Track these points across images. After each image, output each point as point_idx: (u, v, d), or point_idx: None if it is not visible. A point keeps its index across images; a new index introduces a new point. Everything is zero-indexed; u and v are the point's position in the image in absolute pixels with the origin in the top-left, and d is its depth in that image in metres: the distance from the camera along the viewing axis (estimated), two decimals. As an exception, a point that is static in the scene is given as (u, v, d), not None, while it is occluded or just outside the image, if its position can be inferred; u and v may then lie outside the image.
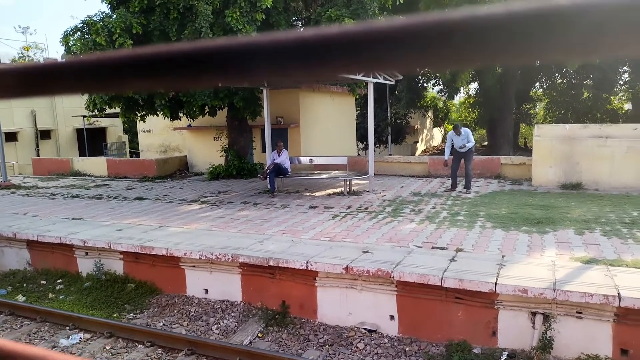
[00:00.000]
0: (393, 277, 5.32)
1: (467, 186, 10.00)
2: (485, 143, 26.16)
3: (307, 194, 10.70)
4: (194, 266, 6.65)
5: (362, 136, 20.92)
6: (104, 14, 10.60)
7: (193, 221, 8.32)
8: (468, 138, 9.60)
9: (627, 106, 25.65)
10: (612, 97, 24.76)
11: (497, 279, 4.90)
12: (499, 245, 6.12)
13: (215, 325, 5.85)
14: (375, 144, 14.28)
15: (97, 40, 9.68)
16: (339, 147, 16.22)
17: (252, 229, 7.58)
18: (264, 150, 13.26)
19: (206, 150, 15.84)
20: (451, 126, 10.64)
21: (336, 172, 11.76)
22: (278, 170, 10.67)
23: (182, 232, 7.50)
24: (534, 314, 4.81)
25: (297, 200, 9.93)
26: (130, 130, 25.01)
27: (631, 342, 4.53)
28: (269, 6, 9.89)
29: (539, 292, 4.68)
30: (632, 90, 23.38)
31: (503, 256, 5.68)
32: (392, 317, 5.46)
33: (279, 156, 10.71)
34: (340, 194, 10.51)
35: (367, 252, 6.06)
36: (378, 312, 5.54)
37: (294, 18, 13.01)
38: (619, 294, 4.43)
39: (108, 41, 9.79)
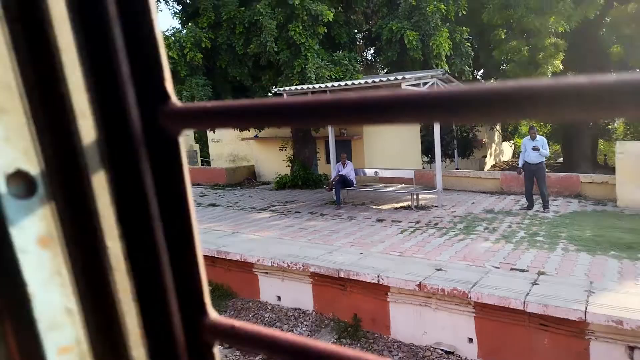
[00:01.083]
0: (470, 297, 5.14)
1: (545, 205, 9.46)
2: (560, 159, 24.67)
3: (373, 207, 10.65)
4: (266, 273, 6.84)
5: (426, 149, 20.50)
6: (174, 29, 11.25)
7: (263, 229, 8.56)
8: (543, 145, 9.08)
9: None
10: None
11: (586, 307, 4.59)
12: (585, 270, 5.72)
13: (289, 333, 5.95)
14: (441, 157, 13.96)
15: (170, 54, 10.31)
16: (403, 160, 16.01)
17: (321, 239, 7.67)
18: (328, 162, 13.39)
19: (272, 160, 16.28)
20: (521, 140, 10.16)
21: (402, 185, 11.60)
22: (343, 182, 10.73)
23: (254, 239, 7.74)
24: (632, 348, 4.44)
25: (364, 213, 9.91)
26: (201, 140, 26.29)
27: None
28: (331, 20, 10.04)
29: (636, 324, 4.31)
30: None
31: (591, 282, 5.31)
32: (470, 340, 5.27)
33: (343, 168, 10.77)
34: (407, 207, 10.35)
35: (440, 269, 5.91)
36: (455, 333, 5.37)
37: (354, 31, 13.10)
38: None
39: (180, 55, 10.36)
